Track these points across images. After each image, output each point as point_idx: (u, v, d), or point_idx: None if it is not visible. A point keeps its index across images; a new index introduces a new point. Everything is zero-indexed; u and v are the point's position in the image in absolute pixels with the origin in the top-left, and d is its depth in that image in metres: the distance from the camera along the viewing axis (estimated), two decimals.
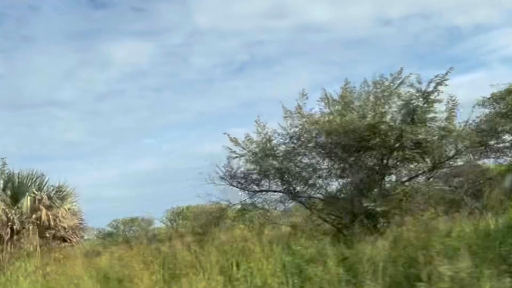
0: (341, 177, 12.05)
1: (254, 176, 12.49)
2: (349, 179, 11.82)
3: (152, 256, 8.43)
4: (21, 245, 13.21)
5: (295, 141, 12.16)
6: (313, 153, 12.11)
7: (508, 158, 15.08)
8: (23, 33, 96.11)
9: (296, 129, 12.14)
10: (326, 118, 11.68)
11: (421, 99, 11.10)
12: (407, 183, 11.79)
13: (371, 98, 11.59)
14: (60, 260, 11.41)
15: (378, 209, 10.69)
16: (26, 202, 14.29)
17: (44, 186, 15.14)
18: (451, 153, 11.56)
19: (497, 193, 10.49)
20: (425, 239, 7.06)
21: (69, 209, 15.09)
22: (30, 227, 13.74)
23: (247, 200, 12.85)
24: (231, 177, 12.67)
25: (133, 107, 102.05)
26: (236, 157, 12.42)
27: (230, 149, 12.39)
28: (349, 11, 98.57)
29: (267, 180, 12.45)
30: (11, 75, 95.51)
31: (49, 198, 14.67)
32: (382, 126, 10.89)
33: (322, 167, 12.15)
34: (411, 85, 11.17)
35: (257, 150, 12.40)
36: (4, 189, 14.76)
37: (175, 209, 38.82)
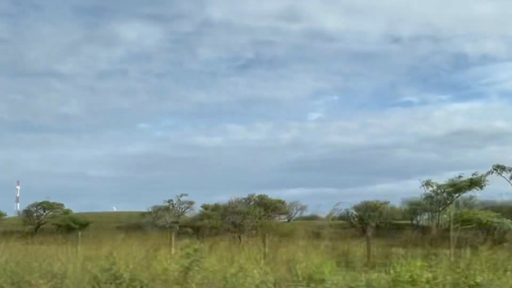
0: None
1: None
2: None
3: None
4: None
5: None
6: None
7: None
8: (32, 0, 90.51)
9: None
10: None
11: None
12: None
13: None
14: None
15: None
16: None
17: None
18: None
19: None
20: None
21: None
22: None
23: None
24: None
25: (132, 89, 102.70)
26: None
27: None
28: (361, 24, 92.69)
29: None
30: (14, 41, 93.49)
31: None
32: None
33: None
34: None
35: None
36: None
37: None
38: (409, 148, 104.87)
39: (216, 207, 58.76)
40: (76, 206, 63.69)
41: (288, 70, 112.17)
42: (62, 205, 58.63)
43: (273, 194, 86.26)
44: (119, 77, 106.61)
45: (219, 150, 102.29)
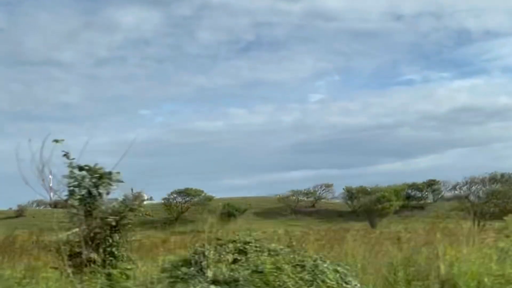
0: None
1: None
2: None
3: None
4: None
5: None
6: None
7: None
8: None
9: None
10: None
11: None
12: None
13: None
14: None
15: None
16: None
17: None
18: None
19: None
20: None
21: None
22: None
23: None
24: None
25: (132, 75, 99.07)
26: None
27: None
28: (363, 2, 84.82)
29: None
30: (12, 29, 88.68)
31: None
32: None
33: None
34: None
35: None
36: None
37: None
38: (412, 126, 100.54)
39: (361, 190, 54.90)
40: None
41: (289, 52, 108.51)
42: (202, 191, 57.50)
43: (275, 177, 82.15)
44: (118, 64, 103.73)
45: (220, 134, 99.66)
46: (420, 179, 58.80)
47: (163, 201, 57.21)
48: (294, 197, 59.47)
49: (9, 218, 60.68)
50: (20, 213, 62.01)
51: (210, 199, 56.46)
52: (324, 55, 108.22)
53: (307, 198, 60.76)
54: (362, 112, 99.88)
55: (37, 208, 65.33)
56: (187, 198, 57.45)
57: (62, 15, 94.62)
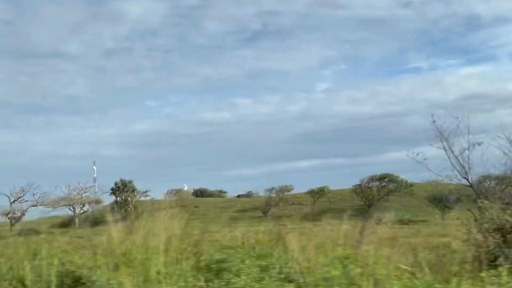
0: None
1: None
2: None
3: None
4: None
5: None
6: None
7: None
8: None
9: None
10: None
11: None
12: None
13: None
14: None
15: None
16: None
17: None
18: None
19: None
20: None
21: None
22: None
23: None
24: None
25: (139, 67, 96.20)
26: None
27: None
28: None
29: None
30: (19, 22, 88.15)
31: None
32: None
33: None
34: None
35: None
36: None
37: None
38: (420, 114, 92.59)
39: None
40: None
41: (295, 40, 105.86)
42: (397, 177, 53.83)
43: (283, 167, 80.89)
44: (125, 55, 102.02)
45: (227, 125, 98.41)
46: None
47: (353, 187, 55.29)
48: None
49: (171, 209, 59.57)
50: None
51: (411, 185, 52.68)
52: (330, 44, 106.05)
53: None
54: (370, 101, 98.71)
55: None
56: (383, 183, 54.30)
57: (68, 6, 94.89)
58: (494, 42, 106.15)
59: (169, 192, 66.97)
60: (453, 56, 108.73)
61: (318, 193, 57.37)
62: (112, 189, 58.49)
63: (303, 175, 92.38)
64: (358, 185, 54.71)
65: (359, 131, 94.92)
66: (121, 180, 58.60)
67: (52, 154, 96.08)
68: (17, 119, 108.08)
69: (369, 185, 54.49)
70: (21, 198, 55.66)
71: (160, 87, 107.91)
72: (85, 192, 58.54)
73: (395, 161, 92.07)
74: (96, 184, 63.57)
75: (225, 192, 76.80)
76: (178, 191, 64.29)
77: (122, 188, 58.27)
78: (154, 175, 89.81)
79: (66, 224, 55.07)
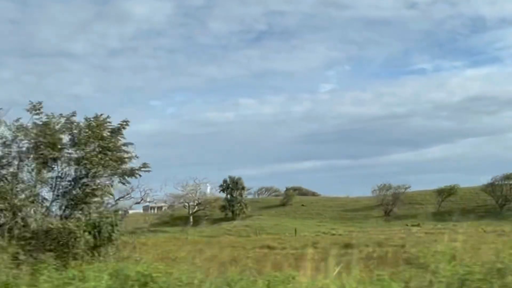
0: None
1: None
2: None
3: None
4: None
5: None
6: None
7: None
8: None
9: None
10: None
11: None
12: None
13: None
14: None
15: None
16: None
17: None
18: None
19: None
20: None
21: None
22: None
23: None
24: None
25: (144, 66, 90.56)
26: None
27: None
28: None
29: None
30: (25, 21, 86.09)
31: None
32: None
33: None
34: None
35: None
36: None
37: None
38: (424, 116, 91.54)
39: None
40: None
41: (300, 41, 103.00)
42: None
43: (287, 168, 78.42)
44: (130, 55, 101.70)
45: (231, 125, 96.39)
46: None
47: (483, 186, 50.99)
48: None
49: (275, 207, 61.21)
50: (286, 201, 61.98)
51: None
52: (335, 44, 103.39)
53: None
54: (374, 102, 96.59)
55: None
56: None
57: (74, 5, 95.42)
58: (499, 44, 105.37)
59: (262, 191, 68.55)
60: (458, 57, 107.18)
61: (446, 192, 54.14)
62: (221, 186, 58.52)
63: (304, 175, 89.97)
64: (490, 183, 50.69)
65: (363, 132, 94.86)
66: (230, 178, 58.55)
67: None
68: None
69: (502, 183, 50.36)
70: (128, 195, 56.29)
71: (164, 87, 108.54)
72: (197, 190, 58.58)
73: (398, 162, 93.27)
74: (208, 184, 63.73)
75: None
76: (286, 191, 64.00)
77: (231, 186, 58.07)
78: (157, 174, 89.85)
79: (175, 222, 54.69)
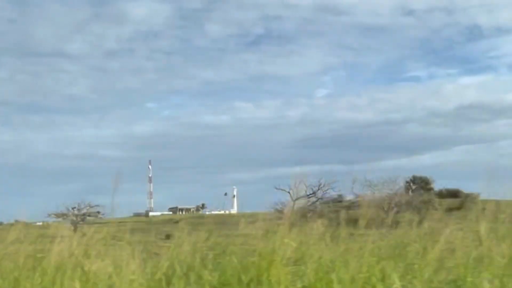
0: None
1: None
2: None
3: None
4: None
5: None
6: None
7: None
8: None
9: None
10: None
11: None
12: None
13: None
14: None
15: None
16: None
17: None
18: None
19: None
20: None
21: None
22: None
23: None
24: None
25: (140, 68, 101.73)
26: None
27: None
28: None
29: None
30: (22, 21, 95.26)
31: None
32: None
33: None
34: None
35: None
36: None
37: None
38: (419, 123, 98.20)
39: None
40: None
41: (297, 46, 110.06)
42: None
43: (281, 172, 78.83)
44: (127, 56, 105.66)
45: (227, 128, 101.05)
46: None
47: None
48: None
49: None
50: None
51: None
52: (332, 50, 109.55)
53: None
54: (369, 108, 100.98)
55: None
56: None
57: (72, 6, 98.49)
58: (494, 53, 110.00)
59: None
60: (452, 65, 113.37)
61: None
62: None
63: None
64: None
65: (358, 138, 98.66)
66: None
67: (50, 154, 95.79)
68: (16, 117, 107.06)
69: None
70: None
71: (160, 89, 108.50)
72: None
73: (392, 168, 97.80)
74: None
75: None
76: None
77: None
78: (154, 176, 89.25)
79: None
